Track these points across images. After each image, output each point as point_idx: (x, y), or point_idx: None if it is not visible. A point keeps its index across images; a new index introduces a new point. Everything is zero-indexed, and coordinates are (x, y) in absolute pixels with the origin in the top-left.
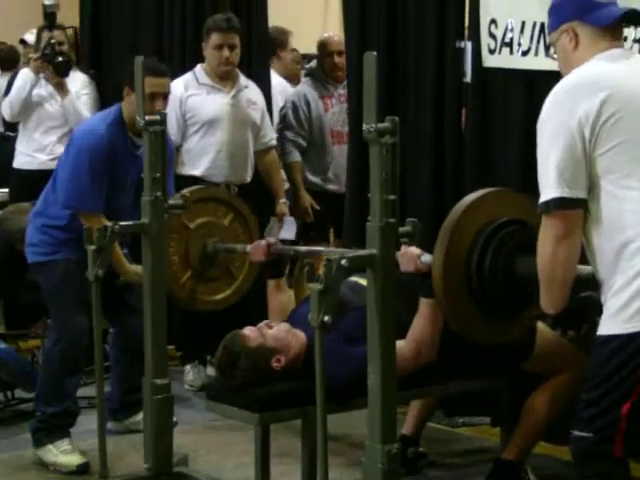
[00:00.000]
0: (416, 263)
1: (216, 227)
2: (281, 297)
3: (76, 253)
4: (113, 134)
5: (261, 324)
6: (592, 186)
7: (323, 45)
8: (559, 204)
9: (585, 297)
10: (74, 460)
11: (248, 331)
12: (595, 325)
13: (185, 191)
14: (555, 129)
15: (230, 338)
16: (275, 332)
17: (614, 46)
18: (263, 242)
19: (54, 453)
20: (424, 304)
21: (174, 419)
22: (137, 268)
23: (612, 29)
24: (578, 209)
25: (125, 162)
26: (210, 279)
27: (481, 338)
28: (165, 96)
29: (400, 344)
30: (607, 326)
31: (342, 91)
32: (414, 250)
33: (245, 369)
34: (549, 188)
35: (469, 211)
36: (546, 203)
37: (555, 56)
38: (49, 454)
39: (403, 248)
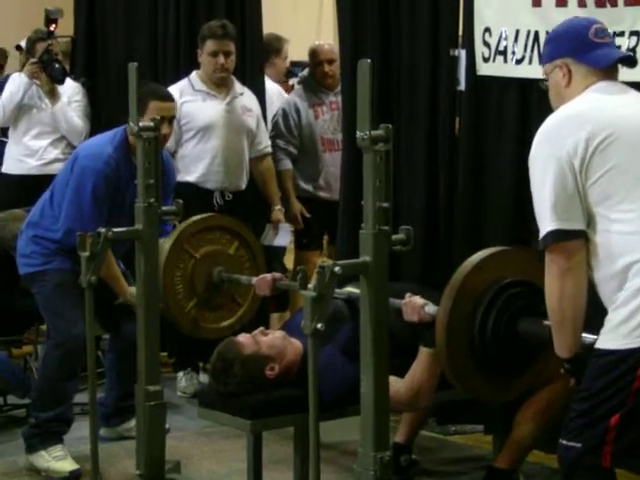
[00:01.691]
0: (420, 313)
1: (222, 255)
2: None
3: (68, 262)
4: (119, 159)
5: (256, 331)
6: (590, 217)
7: (314, 53)
8: (556, 237)
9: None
10: (66, 466)
11: (243, 338)
12: None
13: (192, 220)
14: (545, 164)
15: (225, 345)
16: (270, 339)
17: (608, 81)
18: (269, 276)
19: (46, 459)
20: (424, 353)
21: (166, 426)
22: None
23: (606, 71)
24: (576, 240)
25: (126, 185)
26: (214, 307)
27: (480, 395)
28: (171, 120)
29: (398, 386)
30: (606, 340)
31: (333, 98)
32: (418, 300)
33: (238, 376)
34: (545, 223)
35: (478, 268)
36: (544, 238)
37: (547, 84)
38: (41, 460)
39: (407, 297)
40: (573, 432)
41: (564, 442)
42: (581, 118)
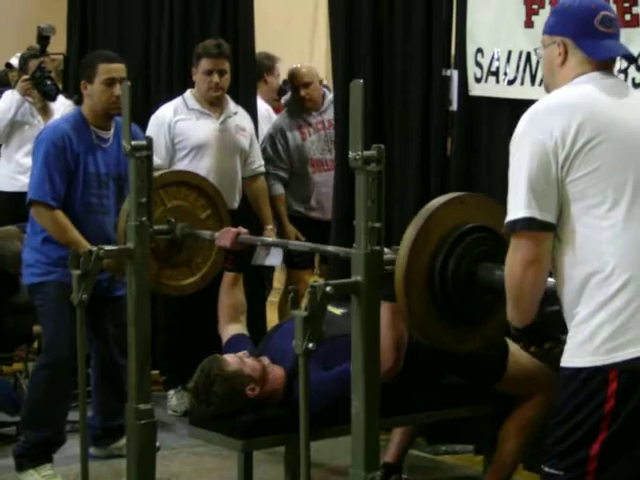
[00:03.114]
0: None
1: (191, 216)
2: (236, 294)
3: (68, 276)
4: (72, 127)
5: (240, 353)
6: (561, 212)
7: (291, 77)
8: (529, 225)
9: (551, 313)
10: None
11: (227, 356)
12: (559, 341)
13: (177, 169)
14: (531, 147)
15: (208, 361)
16: (254, 363)
17: (602, 72)
18: (233, 229)
19: (35, 478)
20: (385, 308)
21: (157, 444)
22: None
23: (603, 62)
24: (547, 233)
25: (91, 155)
26: (174, 264)
27: (441, 344)
28: (121, 82)
29: None
30: (572, 358)
31: (319, 118)
32: None
33: (219, 394)
34: (518, 207)
35: (437, 214)
36: (514, 222)
37: (540, 53)
38: (31, 479)
39: None
40: (554, 458)
41: (546, 469)
42: (573, 109)
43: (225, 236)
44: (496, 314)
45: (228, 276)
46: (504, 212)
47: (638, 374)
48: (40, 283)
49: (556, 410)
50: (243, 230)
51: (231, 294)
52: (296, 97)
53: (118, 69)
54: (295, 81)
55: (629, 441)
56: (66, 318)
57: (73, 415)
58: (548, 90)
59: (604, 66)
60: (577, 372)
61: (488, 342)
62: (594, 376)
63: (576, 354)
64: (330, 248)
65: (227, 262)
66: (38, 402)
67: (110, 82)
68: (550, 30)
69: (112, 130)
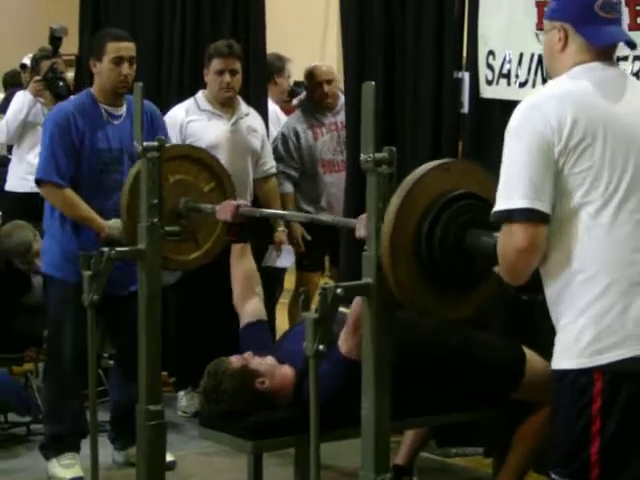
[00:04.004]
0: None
1: (194, 190)
2: (245, 264)
3: (72, 274)
4: (79, 105)
5: (245, 354)
6: (554, 206)
7: (311, 75)
8: (528, 216)
9: None
10: (68, 473)
11: (232, 358)
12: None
13: (178, 144)
14: (530, 137)
15: (214, 364)
16: (259, 360)
17: (602, 61)
18: (233, 202)
19: (54, 465)
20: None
21: (173, 459)
22: (113, 221)
23: (603, 50)
24: (543, 225)
25: (101, 131)
26: (180, 239)
27: (430, 311)
28: (131, 60)
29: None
30: (559, 360)
31: (332, 119)
32: None
33: (229, 391)
34: (515, 196)
35: (435, 172)
36: (510, 211)
37: (542, 38)
38: (51, 466)
39: (364, 215)
40: (558, 466)
41: (553, 476)
42: (569, 104)
43: (225, 209)
44: (485, 280)
45: (235, 248)
46: (490, 177)
47: (621, 375)
48: (47, 275)
49: (552, 414)
50: (242, 202)
51: (240, 265)
52: (313, 95)
53: (127, 48)
54: (316, 78)
55: (629, 446)
56: (71, 319)
57: (103, 416)
58: (550, 75)
59: (605, 55)
60: (564, 374)
61: (477, 308)
62: (580, 378)
63: (563, 356)
64: (326, 218)
65: (231, 234)
66: (50, 399)
67: (118, 61)
68: (551, 15)
69: (124, 107)
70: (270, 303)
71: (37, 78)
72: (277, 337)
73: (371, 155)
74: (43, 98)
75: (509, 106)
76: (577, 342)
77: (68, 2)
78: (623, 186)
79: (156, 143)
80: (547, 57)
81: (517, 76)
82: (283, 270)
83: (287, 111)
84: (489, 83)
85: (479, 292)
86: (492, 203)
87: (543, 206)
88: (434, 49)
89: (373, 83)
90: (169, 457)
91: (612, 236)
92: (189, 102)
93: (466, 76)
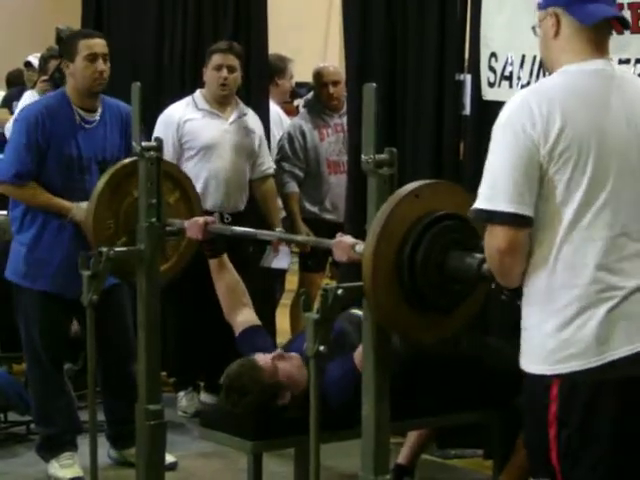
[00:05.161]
0: (349, 253)
1: None
2: (226, 277)
3: (51, 286)
4: (49, 106)
5: (275, 354)
6: (535, 209)
7: (318, 75)
8: (510, 220)
9: None
10: (68, 473)
11: (263, 362)
12: None
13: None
14: (515, 136)
15: (247, 368)
16: (288, 368)
17: (595, 56)
18: (200, 219)
19: (54, 466)
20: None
21: (174, 460)
22: (79, 203)
23: (595, 33)
24: (526, 229)
25: (72, 137)
26: None
27: (409, 332)
28: (104, 57)
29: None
30: (524, 362)
31: (338, 120)
32: (348, 240)
33: (250, 404)
34: (498, 198)
35: (406, 200)
36: (491, 213)
37: (538, 31)
38: (50, 467)
39: (338, 236)
40: (534, 472)
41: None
42: (561, 108)
43: (193, 228)
44: (467, 299)
45: (213, 263)
46: (461, 193)
47: (578, 385)
48: (20, 287)
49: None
50: (210, 219)
51: (222, 279)
52: (321, 96)
53: (99, 44)
54: (323, 79)
55: (582, 455)
56: (49, 327)
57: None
58: (546, 66)
59: (597, 45)
60: (528, 377)
61: (455, 331)
62: (540, 382)
63: (527, 359)
64: (299, 238)
65: (205, 249)
66: (37, 403)
67: (92, 58)
68: (543, 4)
69: (99, 111)
70: (270, 305)
71: (44, 78)
72: (277, 338)
73: (372, 156)
74: None
75: None
76: (541, 348)
77: (71, 1)
78: (597, 203)
79: (154, 143)
80: (543, 48)
81: (519, 78)
82: (283, 272)
83: (288, 112)
84: (491, 85)
85: (460, 312)
86: (467, 220)
87: (526, 210)
88: (436, 51)
89: (374, 85)
90: (170, 458)
91: (579, 253)
92: (186, 101)
93: (468, 78)
